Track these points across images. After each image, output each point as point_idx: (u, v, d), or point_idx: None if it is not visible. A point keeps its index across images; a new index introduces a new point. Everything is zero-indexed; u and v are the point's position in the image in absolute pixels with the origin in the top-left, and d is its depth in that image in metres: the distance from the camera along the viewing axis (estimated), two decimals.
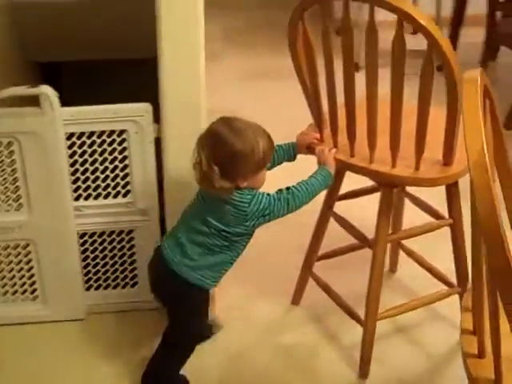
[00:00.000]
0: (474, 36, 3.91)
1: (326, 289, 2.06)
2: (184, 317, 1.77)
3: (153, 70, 1.82)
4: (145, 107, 1.89)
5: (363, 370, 1.91)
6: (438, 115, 1.72)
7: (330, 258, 2.14)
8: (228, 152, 1.59)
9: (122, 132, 1.90)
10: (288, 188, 1.69)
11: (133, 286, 2.10)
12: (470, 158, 1.01)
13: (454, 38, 3.88)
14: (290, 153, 1.87)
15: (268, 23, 4.48)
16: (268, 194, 1.66)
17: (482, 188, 0.99)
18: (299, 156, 1.88)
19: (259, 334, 2.08)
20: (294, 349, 2.02)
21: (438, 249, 2.12)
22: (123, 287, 2.10)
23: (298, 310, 2.17)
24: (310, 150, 1.87)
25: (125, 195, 1.97)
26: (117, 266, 2.07)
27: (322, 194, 1.88)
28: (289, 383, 1.91)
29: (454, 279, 1.99)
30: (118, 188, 1.96)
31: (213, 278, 1.73)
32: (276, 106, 3.43)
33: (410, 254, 2.17)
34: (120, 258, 2.06)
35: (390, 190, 1.82)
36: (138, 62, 1.97)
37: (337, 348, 2.02)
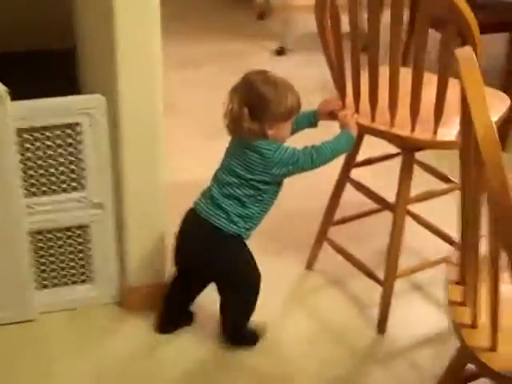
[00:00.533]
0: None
1: (343, 252, 2.15)
2: (231, 267, 1.83)
3: (71, 61, 1.83)
4: (98, 99, 1.85)
5: (381, 327, 2.00)
6: (453, 85, 1.76)
7: (344, 223, 2.24)
8: (258, 96, 1.71)
9: (74, 125, 1.84)
10: (313, 146, 1.80)
11: (88, 281, 2.04)
12: (478, 133, 1.04)
13: None
14: (310, 119, 1.95)
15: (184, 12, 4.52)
16: (293, 148, 1.76)
17: (492, 162, 1.02)
18: (320, 124, 1.96)
19: (283, 300, 2.16)
20: (317, 310, 2.12)
21: (443, 213, 2.12)
22: (79, 283, 2.03)
23: (313, 274, 2.26)
24: (331, 115, 1.95)
25: (79, 190, 1.92)
26: (73, 263, 2.01)
27: (340, 160, 1.97)
28: (312, 341, 2.00)
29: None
30: (72, 183, 1.91)
31: (246, 228, 1.81)
32: (208, 94, 3.27)
33: (415, 217, 2.24)
34: (76, 254, 1.99)
35: (411, 154, 1.89)
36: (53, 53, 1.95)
37: (355, 306, 2.12)
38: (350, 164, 2.08)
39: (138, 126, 1.85)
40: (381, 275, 1.99)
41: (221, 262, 1.82)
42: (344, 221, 2.23)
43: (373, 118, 1.88)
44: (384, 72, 1.79)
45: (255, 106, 1.71)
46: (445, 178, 2.10)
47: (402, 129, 1.84)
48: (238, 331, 1.94)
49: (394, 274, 1.96)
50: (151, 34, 1.79)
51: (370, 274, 2.05)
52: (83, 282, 2.04)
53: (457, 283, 1.39)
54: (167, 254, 1.99)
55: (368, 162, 2.19)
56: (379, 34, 1.76)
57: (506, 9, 3.08)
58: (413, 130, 1.82)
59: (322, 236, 2.20)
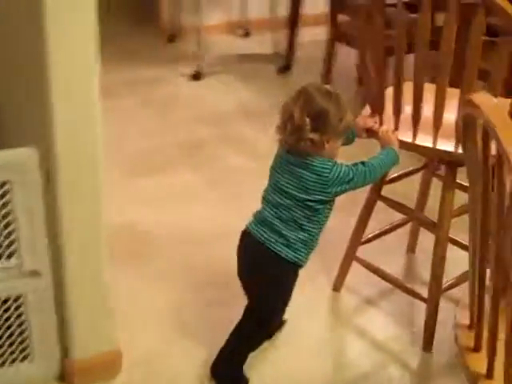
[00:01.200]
0: (314, 35, 4.15)
1: (377, 271, 2.11)
2: (275, 293, 1.78)
3: None
4: (28, 152, 1.61)
5: (427, 344, 1.98)
6: None
7: (371, 242, 2.20)
8: (320, 107, 1.66)
9: (2, 184, 1.61)
10: (362, 162, 1.76)
11: (28, 358, 1.79)
12: None
13: (291, 37, 4.04)
14: (348, 136, 1.89)
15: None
16: (346, 165, 1.72)
17: None
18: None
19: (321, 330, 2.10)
20: (363, 334, 2.07)
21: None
22: (18, 361, 1.78)
23: (343, 295, 2.22)
24: (369, 133, 1.91)
25: (9, 256, 1.68)
26: (9, 339, 1.76)
27: None
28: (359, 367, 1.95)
29: None
30: (3, 250, 1.67)
31: (305, 253, 1.75)
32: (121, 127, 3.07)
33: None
34: (13, 328, 1.75)
35: (455, 168, 1.88)
36: None
37: (397, 325, 2.09)
38: (382, 181, 2.04)
39: (76, 179, 1.64)
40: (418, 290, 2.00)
41: (271, 287, 1.77)
42: (369, 240, 2.19)
43: (414, 136, 1.86)
44: (427, 88, 1.79)
45: (317, 117, 1.66)
46: None
47: (446, 144, 1.83)
48: (235, 365, 1.84)
49: (440, 289, 1.94)
50: (88, 77, 1.58)
51: (410, 291, 2.03)
52: (23, 359, 1.78)
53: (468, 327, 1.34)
54: (116, 317, 1.83)
55: (392, 180, 2.17)
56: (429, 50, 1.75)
57: None
58: (457, 145, 1.82)
59: (351, 255, 2.15)
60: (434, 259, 1.94)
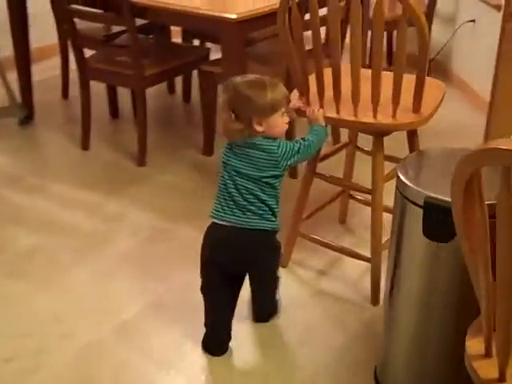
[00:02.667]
0: (46, 70, 4.12)
1: (322, 243, 2.37)
2: (275, 260, 2.07)
3: None
4: None
5: (374, 298, 2.23)
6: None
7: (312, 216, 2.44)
8: (237, 95, 1.85)
9: None
10: (302, 138, 1.98)
11: None
12: None
13: (26, 77, 3.54)
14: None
15: None
16: (290, 141, 1.93)
17: None
18: None
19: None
20: (321, 296, 2.30)
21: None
22: None
23: (293, 270, 2.44)
24: (298, 113, 2.16)
25: None
26: None
27: None
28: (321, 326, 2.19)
29: None
30: None
31: (276, 219, 1.94)
32: None
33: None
34: None
35: (381, 137, 2.12)
36: None
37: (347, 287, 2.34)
38: (315, 159, 2.27)
39: None
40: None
41: (268, 257, 2.02)
42: (311, 215, 2.44)
43: (338, 110, 2.12)
44: (344, 69, 2.04)
45: (236, 106, 1.85)
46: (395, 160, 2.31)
47: (366, 116, 2.06)
48: (273, 302, 2.16)
49: (380, 248, 2.17)
50: None
51: (355, 254, 2.28)
52: None
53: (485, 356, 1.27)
54: None
55: (328, 154, 2.41)
56: (339, 32, 2.00)
57: None
58: (375, 117, 2.06)
59: (295, 233, 2.37)
60: (374, 220, 2.15)
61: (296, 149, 1.91)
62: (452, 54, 4.25)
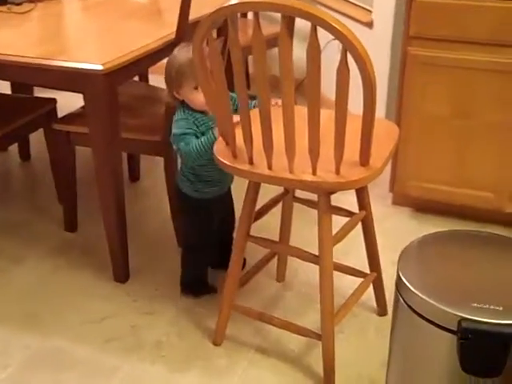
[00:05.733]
0: None
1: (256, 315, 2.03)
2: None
3: None
4: None
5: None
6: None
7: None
8: (165, 72, 2.00)
9: None
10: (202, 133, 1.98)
11: None
12: None
13: None
14: None
15: None
16: (185, 134, 1.95)
17: None
18: None
19: None
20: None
21: None
22: None
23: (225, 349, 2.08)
24: None
25: None
26: None
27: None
28: None
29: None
30: None
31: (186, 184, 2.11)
32: None
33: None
34: None
35: (328, 195, 1.77)
36: None
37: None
38: (247, 220, 1.90)
39: None
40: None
41: None
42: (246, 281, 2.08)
43: (269, 165, 1.74)
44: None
45: (166, 80, 2.01)
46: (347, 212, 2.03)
47: (303, 172, 1.71)
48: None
49: (332, 327, 1.84)
50: None
51: (302, 331, 1.94)
52: None
53: None
54: None
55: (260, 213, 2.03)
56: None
57: None
58: (314, 173, 1.71)
59: (229, 306, 2.01)
60: (324, 296, 1.81)
61: (181, 138, 1.95)
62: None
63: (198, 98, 1.93)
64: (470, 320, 1.16)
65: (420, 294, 1.25)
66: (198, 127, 1.98)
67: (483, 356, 1.15)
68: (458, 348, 1.17)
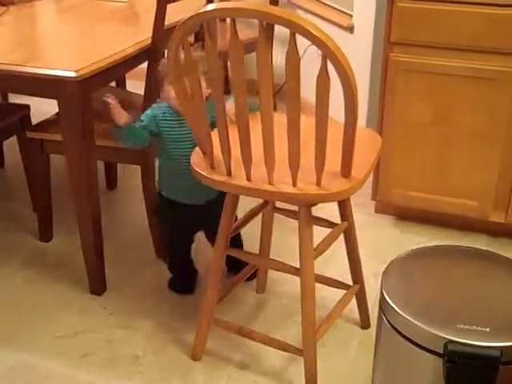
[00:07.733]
0: None
1: (236, 329, 1.96)
2: None
3: None
4: None
5: None
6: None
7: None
8: None
9: None
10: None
11: None
12: None
13: None
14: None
15: None
16: (144, 127, 2.04)
17: None
18: None
19: None
20: None
21: None
22: None
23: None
24: None
25: None
26: None
27: None
28: None
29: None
30: None
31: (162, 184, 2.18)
32: None
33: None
34: None
35: (309, 207, 1.71)
36: None
37: None
38: (227, 231, 1.85)
39: None
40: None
41: None
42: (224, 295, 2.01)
43: (248, 177, 1.69)
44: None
45: None
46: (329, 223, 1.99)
47: (283, 184, 1.66)
48: None
49: (314, 341, 1.79)
50: None
51: (283, 346, 1.88)
52: None
53: None
54: None
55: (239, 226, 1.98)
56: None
57: None
58: (294, 184, 1.66)
59: (207, 321, 1.98)
60: (305, 309, 1.75)
61: (141, 124, 2.03)
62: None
63: (168, 90, 1.98)
64: (457, 342, 1.11)
65: (404, 315, 1.20)
66: (157, 126, 2.03)
67: (470, 380, 1.11)
68: (445, 371, 1.13)
